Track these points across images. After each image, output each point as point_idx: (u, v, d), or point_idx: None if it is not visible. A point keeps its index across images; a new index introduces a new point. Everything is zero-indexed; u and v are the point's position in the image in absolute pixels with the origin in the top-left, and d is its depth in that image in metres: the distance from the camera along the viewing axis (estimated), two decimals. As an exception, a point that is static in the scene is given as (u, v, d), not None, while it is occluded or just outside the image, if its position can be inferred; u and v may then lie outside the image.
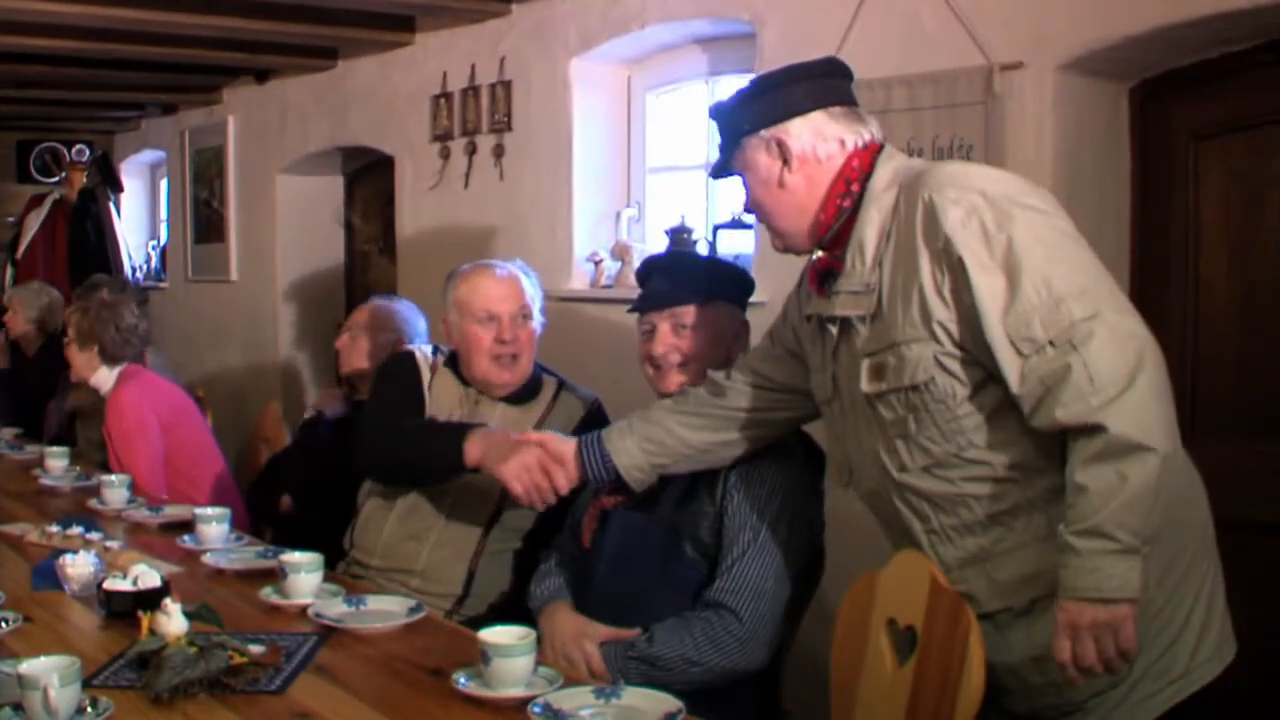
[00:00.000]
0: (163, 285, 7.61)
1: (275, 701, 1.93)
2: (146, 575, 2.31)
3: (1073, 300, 1.78)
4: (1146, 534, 1.75)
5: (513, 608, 2.73)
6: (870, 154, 2.06)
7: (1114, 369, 1.74)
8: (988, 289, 1.82)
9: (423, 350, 3.05)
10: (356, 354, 3.79)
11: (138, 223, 8.11)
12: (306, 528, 3.37)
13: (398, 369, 3.00)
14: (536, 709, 1.82)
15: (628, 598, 2.39)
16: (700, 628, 2.28)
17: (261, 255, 6.45)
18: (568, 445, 2.45)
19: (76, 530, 2.88)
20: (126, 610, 2.23)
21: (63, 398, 4.72)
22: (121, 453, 3.78)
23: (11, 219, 7.76)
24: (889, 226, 1.97)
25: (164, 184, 7.78)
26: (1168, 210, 3.18)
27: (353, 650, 2.18)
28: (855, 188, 2.04)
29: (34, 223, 7.53)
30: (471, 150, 4.96)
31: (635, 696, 1.89)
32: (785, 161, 2.07)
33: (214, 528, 2.87)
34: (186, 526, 2.98)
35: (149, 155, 7.94)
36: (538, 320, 2.94)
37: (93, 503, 3.36)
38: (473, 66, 4.92)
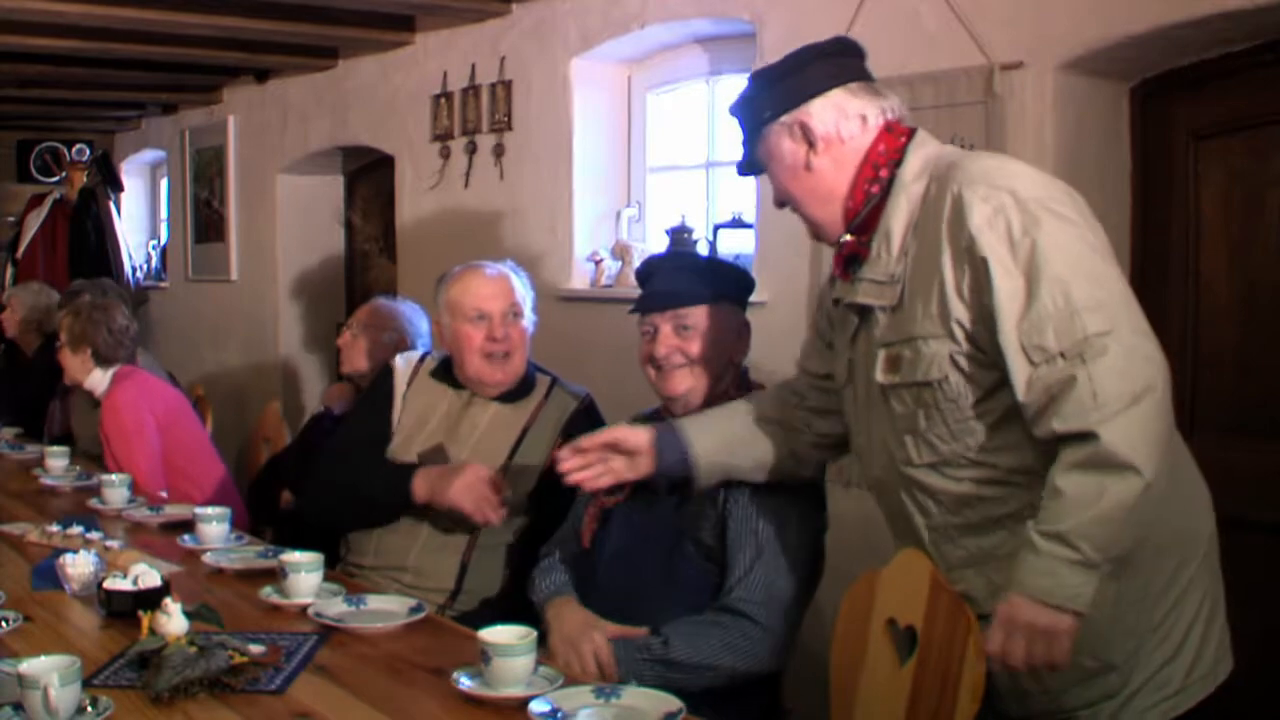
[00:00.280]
0: (163, 285, 7.61)
1: (275, 701, 1.93)
2: (147, 575, 2.31)
3: (1089, 314, 1.75)
4: (1111, 553, 1.73)
5: (506, 603, 2.73)
6: (899, 138, 2.02)
7: (1119, 388, 1.71)
8: (1006, 292, 1.79)
9: (407, 359, 3.06)
10: (357, 353, 3.81)
11: (138, 222, 8.11)
12: (307, 525, 3.38)
13: (364, 403, 3.10)
14: (537, 708, 1.82)
15: (629, 597, 2.39)
16: (718, 633, 2.28)
17: (262, 255, 6.45)
18: (642, 436, 2.34)
19: (77, 530, 2.88)
20: (127, 610, 2.23)
21: (63, 398, 4.73)
22: (120, 453, 3.79)
23: (12, 218, 7.76)
24: (917, 217, 1.94)
25: (164, 183, 7.78)
26: (1168, 210, 3.18)
27: (353, 650, 2.18)
28: (884, 174, 2.00)
29: (34, 222, 7.54)
30: (472, 150, 4.96)
31: (635, 696, 1.89)
32: (810, 144, 2.03)
33: (214, 527, 2.87)
34: (187, 526, 2.98)
35: (149, 155, 7.94)
36: (529, 319, 2.96)
37: (93, 502, 3.36)
38: (473, 66, 4.92)
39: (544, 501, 2.79)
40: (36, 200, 7.65)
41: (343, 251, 6.55)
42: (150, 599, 2.19)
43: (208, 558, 2.73)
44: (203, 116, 6.94)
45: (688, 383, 2.48)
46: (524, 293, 2.97)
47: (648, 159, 4.60)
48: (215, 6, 4.70)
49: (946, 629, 1.92)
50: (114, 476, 3.40)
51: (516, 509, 2.79)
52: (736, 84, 4.20)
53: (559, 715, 1.82)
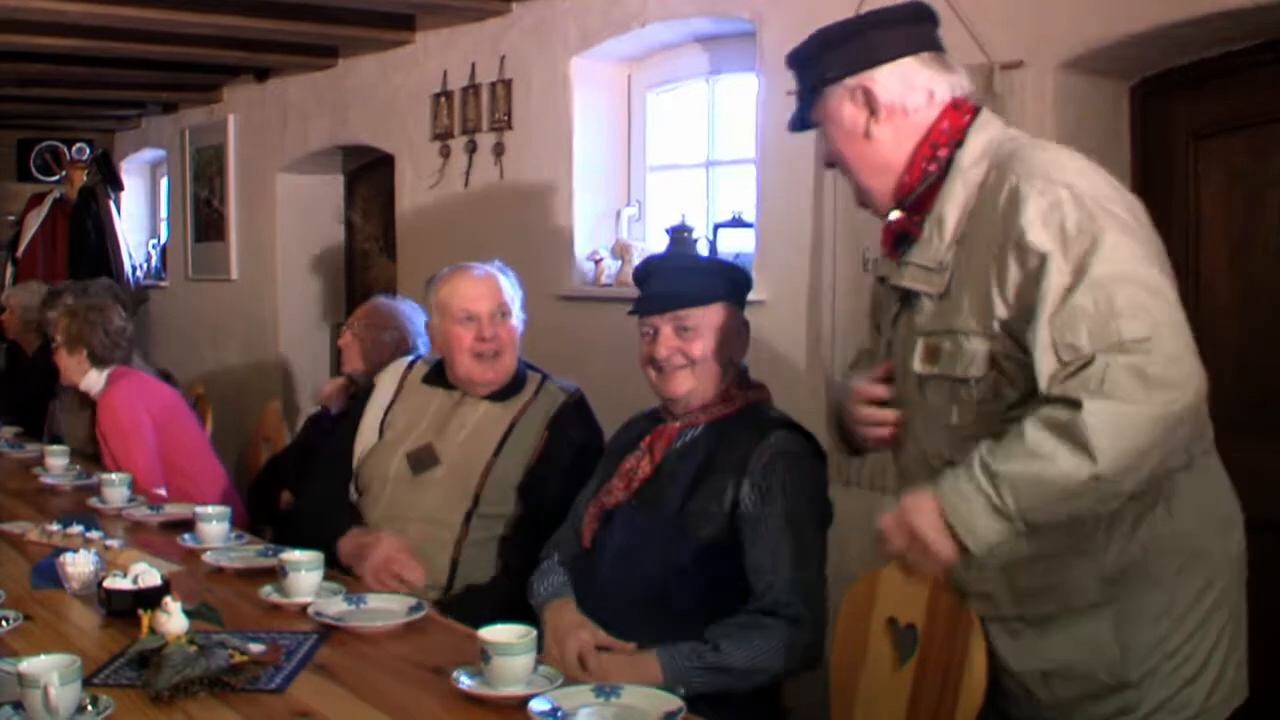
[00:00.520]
0: (163, 284, 7.62)
1: (275, 700, 1.93)
2: (147, 574, 2.31)
3: (1128, 319, 1.68)
4: (1030, 516, 1.69)
5: (494, 592, 2.75)
6: (963, 117, 1.94)
7: (1130, 385, 1.64)
8: (1051, 286, 1.72)
9: (394, 369, 3.12)
10: (357, 353, 3.81)
11: (138, 221, 8.11)
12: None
13: (342, 421, 3.17)
14: (537, 707, 1.82)
15: (630, 598, 2.39)
16: (767, 636, 2.28)
17: (262, 254, 6.45)
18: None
19: (77, 529, 2.88)
20: (127, 609, 2.23)
21: (62, 398, 4.73)
22: (118, 452, 3.79)
23: (12, 218, 7.77)
24: (973, 205, 1.86)
25: (164, 182, 7.78)
26: (1168, 209, 3.17)
27: (353, 649, 2.18)
28: (943, 153, 1.92)
29: (34, 221, 7.55)
30: (472, 149, 4.96)
31: (635, 695, 1.89)
32: (872, 112, 1.94)
33: (214, 526, 2.87)
34: (187, 525, 2.97)
35: (149, 154, 7.94)
36: (518, 317, 2.99)
37: (93, 501, 3.36)
38: (473, 65, 4.92)
39: (530, 493, 2.83)
40: (36, 199, 7.65)
41: (343, 251, 6.55)
42: (150, 598, 2.19)
43: (208, 557, 2.73)
44: (203, 115, 6.94)
45: (689, 384, 2.48)
46: (512, 292, 3.00)
47: (648, 158, 4.60)
48: (215, 6, 4.70)
49: (947, 628, 1.92)
50: (114, 475, 3.40)
51: (504, 501, 2.83)
52: (737, 83, 4.20)
53: (559, 714, 1.82)
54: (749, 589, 2.36)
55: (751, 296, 2.62)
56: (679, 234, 4.12)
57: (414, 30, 5.22)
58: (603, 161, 4.59)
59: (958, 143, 1.91)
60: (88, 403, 4.10)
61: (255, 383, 6.41)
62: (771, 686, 2.40)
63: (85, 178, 7.49)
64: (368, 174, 6.31)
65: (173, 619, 2.02)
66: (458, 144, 5.03)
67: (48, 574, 2.55)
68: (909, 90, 1.93)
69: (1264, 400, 3.01)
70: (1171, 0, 2.81)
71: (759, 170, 3.83)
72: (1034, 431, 1.69)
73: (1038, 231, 1.75)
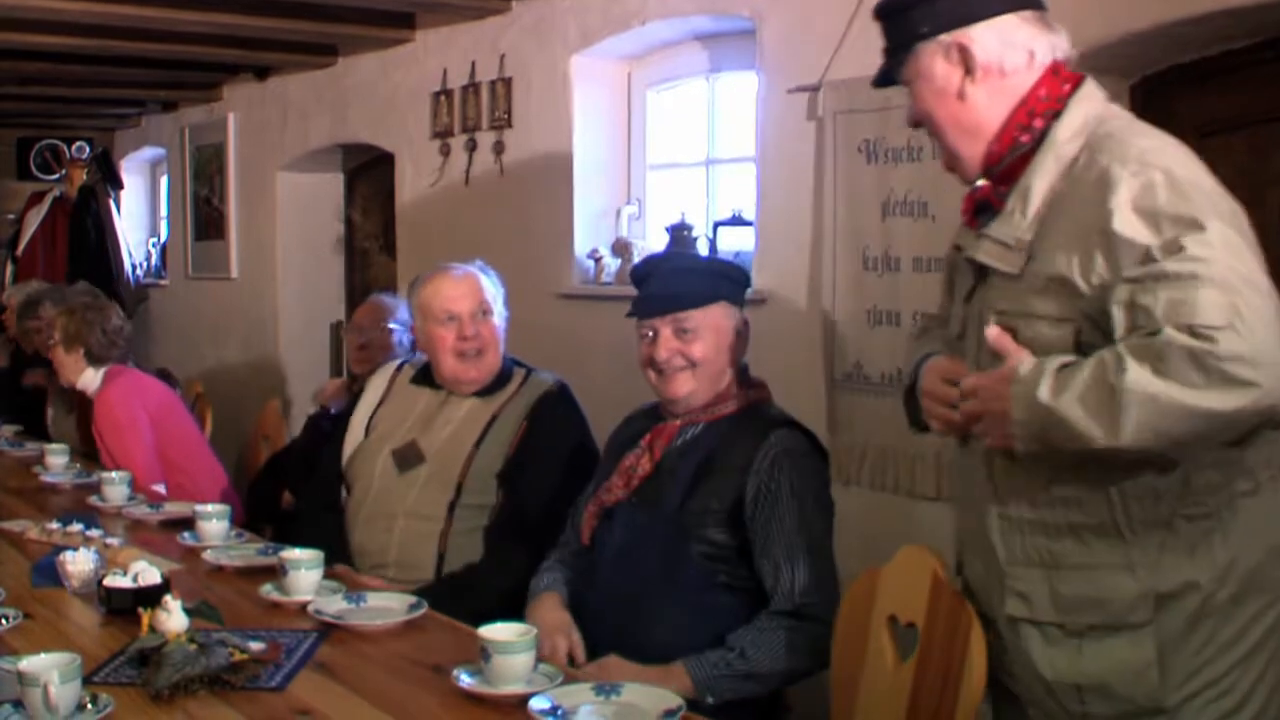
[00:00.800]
0: (163, 283, 7.62)
1: (275, 698, 1.93)
2: (147, 572, 2.31)
3: (1205, 307, 1.57)
4: (1052, 434, 1.63)
5: (471, 575, 2.76)
6: (1063, 85, 1.83)
7: (1185, 377, 1.55)
8: (1138, 256, 1.64)
9: (384, 372, 3.17)
10: (358, 351, 3.83)
11: (138, 220, 8.11)
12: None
13: (342, 420, 3.19)
14: (537, 705, 1.82)
15: (629, 597, 2.39)
16: (794, 639, 2.29)
17: (262, 252, 6.45)
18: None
19: (77, 527, 2.88)
20: (127, 607, 2.23)
21: (53, 401, 4.74)
22: (115, 449, 3.80)
23: (12, 216, 7.77)
24: (1062, 186, 1.77)
25: (164, 181, 7.77)
26: (1169, 207, 3.17)
27: (353, 647, 2.18)
28: (1039, 124, 1.81)
29: (34, 220, 7.55)
30: (472, 147, 4.96)
31: (635, 693, 1.89)
32: (968, 70, 1.83)
33: (214, 524, 2.88)
34: (186, 523, 2.98)
35: (149, 152, 7.93)
36: (500, 315, 3.02)
37: (93, 499, 3.36)
38: (473, 63, 4.92)
39: (509, 481, 2.85)
40: (36, 198, 7.65)
41: (343, 249, 6.55)
42: (150, 596, 2.19)
43: (208, 555, 2.74)
44: (203, 114, 6.94)
45: (689, 385, 2.48)
46: (493, 291, 3.03)
47: (648, 156, 4.59)
48: (215, 4, 4.70)
49: (948, 626, 1.92)
50: (114, 474, 3.40)
51: (486, 492, 2.86)
52: (737, 81, 4.20)
53: (559, 712, 1.82)
54: (752, 588, 2.36)
55: (751, 295, 2.61)
56: (679, 232, 4.11)
57: (414, 28, 5.21)
58: (603, 159, 4.58)
59: (1056, 113, 1.81)
60: (75, 406, 4.11)
61: (255, 381, 6.41)
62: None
63: (85, 176, 7.49)
64: (368, 172, 6.30)
65: (173, 617, 2.02)
66: (458, 142, 5.03)
67: (48, 572, 2.55)
68: (1008, 49, 1.83)
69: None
70: (1172, -2, 2.81)
71: (759, 168, 3.82)
72: (1091, 369, 1.62)
73: (1127, 216, 1.66)
